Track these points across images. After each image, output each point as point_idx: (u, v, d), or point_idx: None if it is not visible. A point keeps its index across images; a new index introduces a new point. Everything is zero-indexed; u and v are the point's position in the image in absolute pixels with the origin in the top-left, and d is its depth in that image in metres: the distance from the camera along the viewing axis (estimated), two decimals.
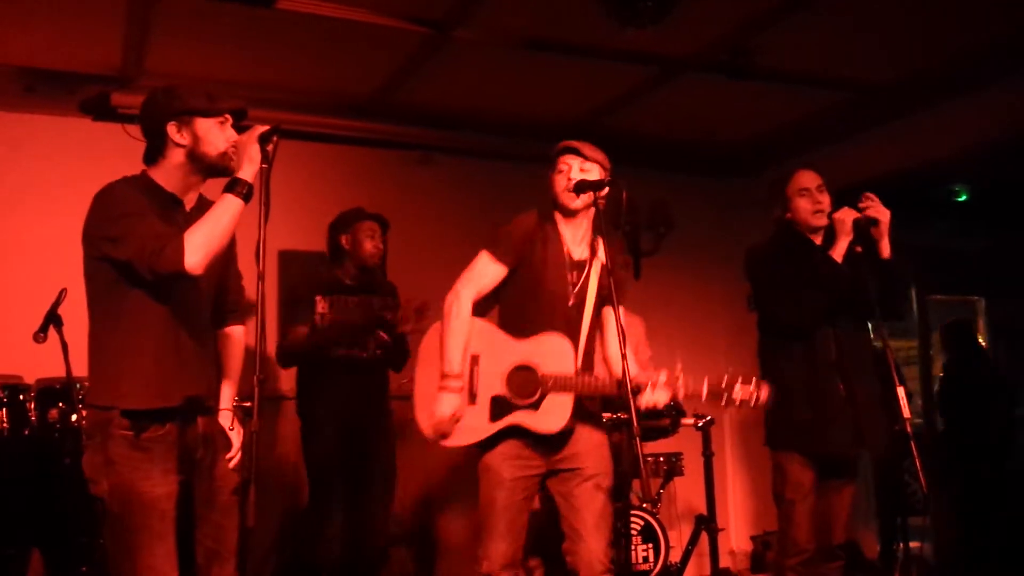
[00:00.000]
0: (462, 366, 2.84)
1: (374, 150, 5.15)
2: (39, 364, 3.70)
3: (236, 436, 2.63)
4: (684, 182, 5.83)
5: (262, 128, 2.38)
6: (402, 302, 4.03)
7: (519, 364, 2.83)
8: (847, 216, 3.18)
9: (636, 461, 2.50)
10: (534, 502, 2.98)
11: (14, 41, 4.09)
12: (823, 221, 3.28)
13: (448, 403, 2.80)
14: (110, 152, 3.69)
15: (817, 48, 4.27)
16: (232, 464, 2.57)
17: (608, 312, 2.94)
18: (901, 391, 2.90)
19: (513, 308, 2.93)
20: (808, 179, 3.31)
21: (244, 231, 2.41)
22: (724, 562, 5.26)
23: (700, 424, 4.59)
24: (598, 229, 2.89)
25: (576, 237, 2.95)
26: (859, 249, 3.18)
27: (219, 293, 2.64)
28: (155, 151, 2.44)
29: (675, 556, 4.52)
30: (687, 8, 3.65)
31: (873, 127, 5.09)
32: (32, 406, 3.74)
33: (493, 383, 2.84)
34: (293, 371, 4.19)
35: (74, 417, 3.67)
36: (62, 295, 3.46)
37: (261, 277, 2.27)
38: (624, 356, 2.57)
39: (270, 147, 2.38)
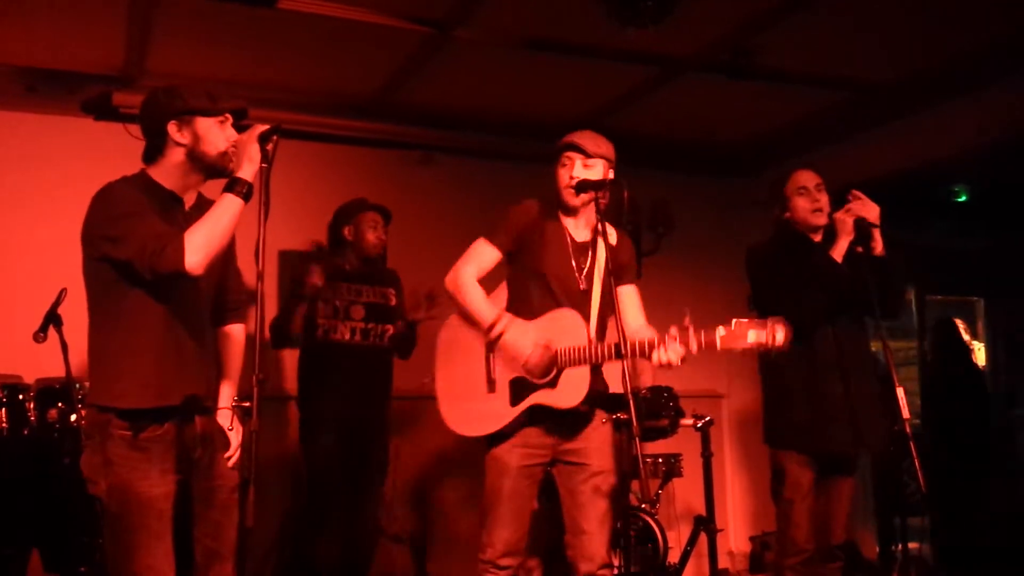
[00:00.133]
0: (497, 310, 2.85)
1: (374, 150, 5.14)
2: (39, 364, 3.71)
3: (235, 435, 2.63)
4: (684, 182, 5.82)
5: (262, 128, 2.39)
6: (409, 290, 4.04)
7: (534, 343, 2.83)
8: (848, 216, 3.19)
9: (635, 462, 2.50)
10: (534, 502, 2.98)
11: (15, 41, 4.09)
12: (822, 220, 3.28)
13: (518, 334, 2.80)
14: (111, 152, 3.68)
15: (817, 48, 4.27)
16: (231, 463, 2.57)
17: (620, 290, 2.90)
18: (900, 391, 2.91)
19: (521, 298, 2.93)
20: (807, 178, 3.32)
21: (244, 231, 2.41)
22: (723, 563, 5.25)
23: (699, 425, 4.59)
24: (599, 213, 2.87)
25: (578, 224, 2.96)
26: (860, 249, 3.18)
27: (219, 292, 2.64)
28: (155, 150, 2.44)
29: (674, 557, 4.52)
30: (688, 8, 3.64)
31: (873, 127, 5.08)
32: (32, 406, 3.74)
33: (510, 366, 2.86)
34: (294, 370, 4.19)
35: (73, 417, 3.67)
36: (62, 295, 3.46)
37: (261, 277, 2.28)
38: (625, 339, 2.59)
39: (270, 147, 2.38)
